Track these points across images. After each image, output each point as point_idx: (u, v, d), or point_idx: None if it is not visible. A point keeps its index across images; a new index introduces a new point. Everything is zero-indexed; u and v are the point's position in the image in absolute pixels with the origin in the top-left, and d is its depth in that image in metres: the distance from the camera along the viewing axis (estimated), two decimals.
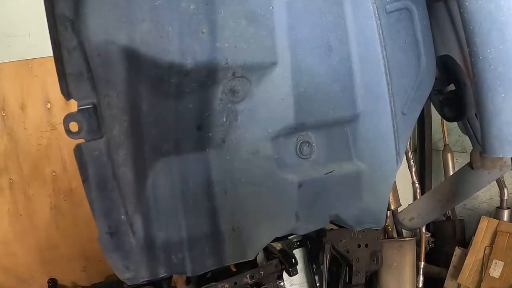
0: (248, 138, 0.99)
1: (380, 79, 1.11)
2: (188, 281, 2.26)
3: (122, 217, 0.97)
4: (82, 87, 0.87)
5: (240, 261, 1.05)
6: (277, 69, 0.98)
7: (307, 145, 1.04)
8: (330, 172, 1.06)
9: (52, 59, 2.15)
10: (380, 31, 1.10)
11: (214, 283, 1.99)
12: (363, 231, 2.22)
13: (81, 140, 0.90)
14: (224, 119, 0.97)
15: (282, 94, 0.99)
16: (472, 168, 1.26)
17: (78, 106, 0.87)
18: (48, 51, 2.16)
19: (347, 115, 1.08)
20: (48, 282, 2.10)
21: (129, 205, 0.97)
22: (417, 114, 1.17)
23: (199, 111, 0.94)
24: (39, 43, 2.12)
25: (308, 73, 1.02)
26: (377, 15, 1.09)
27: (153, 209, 0.97)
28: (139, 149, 0.93)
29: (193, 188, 0.98)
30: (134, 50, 0.85)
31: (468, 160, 1.31)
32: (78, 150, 0.91)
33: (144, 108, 0.91)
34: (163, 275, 1.05)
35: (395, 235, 2.59)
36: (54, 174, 2.17)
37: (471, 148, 1.35)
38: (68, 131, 0.87)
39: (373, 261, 2.28)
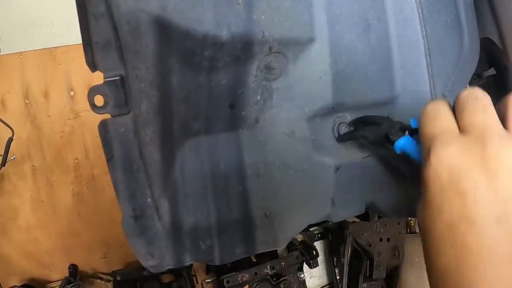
0: (284, 118, 0.89)
1: (419, 59, 1.01)
2: (208, 270, 2.19)
3: (148, 200, 0.88)
4: (109, 57, 0.77)
5: (271, 250, 0.96)
6: (315, 46, 0.89)
7: (345, 126, 0.94)
8: (367, 156, 0.97)
9: (76, 47, 2.10)
10: (420, 10, 1.00)
11: (234, 273, 1.92)
12: (385, 225, 2.13)
13: (107, 116, 0.81)
14: (259, 98, 0.87)
15: (320, 72, 0.90)
16: None
17: (104, 78, 0.78)
18: (72, 40, 2.11)
19: (385, 97, 0.99)
20: (69, 268, 2.04)
21: (156, 187, 0.87)
22: None
23: (233, 88, 0.85)
24: (62, 32, 2.08)
25: (347, 51, 0.93)
26: None
27: (180, 192, 0.88)
28: (167, 127, 0.84)
29: (224, 170, 0.88)
30: (166, 20, 0.76)
31: None
32: (103, 126, 0.81)
33: (174, 83, 0.81)
34: (188, 263, 0.96)
35: (417, 230, 2.48)
36: (76, 161, 2.11)
37: None
38: (93, 105, 0.78)
39: (395, 255, 2.20)
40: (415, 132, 0.72)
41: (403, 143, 0.73)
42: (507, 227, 0.47)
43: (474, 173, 0.50)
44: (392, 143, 0.75)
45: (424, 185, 0.55)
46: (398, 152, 0.74)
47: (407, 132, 0.74)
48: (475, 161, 0.50)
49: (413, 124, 0.73)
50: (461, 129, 0.55)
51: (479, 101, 0.55)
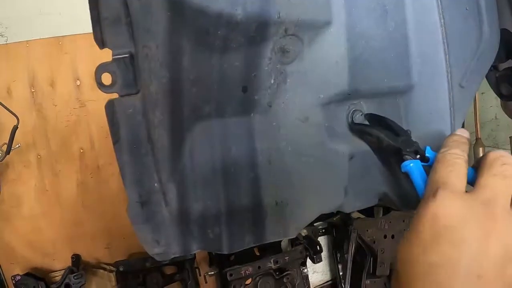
0: (297, 103, 0.84)
1: (437, 48, 0.96)
2: (211, 263, 2.15)
3: (155, 185, 0.84)
4: (118, 34, 0.73)
5: (281, 239, 0.91)
6: (331, 29, 0.84)
7: (360, 113, 0.90)
8: None
9: (83, 36, 2.05)
10: None
11: (237, 266, 1.87)
12: (390, 222, 2.08)
13: (114, 95, 0.77)
14: (272, 81, 0.83)
15: (336, 57, 0.85)
16: None
17: (113, 56, 0.74)
18: (79, 30, 2.07)
19: (401, 86, 0.94)
20: (72, 258, 2.00)
21: (163, 172, 0.83)
22: (476, 88, 1.01)
23: (246, 70, 0.80)
24: (69, 21, 2.03)
25: (364, 37, 0.88)
26: None
27: (189, 177, 0.84)
28: (177, 109, 0.80)
29: (234, 156, 0.84)
30: None
31: None
32: (110, 106, 0.77)
33: (185, 64, 0.77)
34: (195, 252, 0.92)
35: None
36: (81, 151, 2.06)
37: (504, 143, 1.21)
38: (100, 84, 0.74)
39: None
40: (426, 161, 0.71)
41: (411, 166, 0.70)
42: (485, 286, 0.49)
43: (472, 229, 0.51)
44: (401, 160, 0.72)
45: (418, 221, 0.55)
46: (402, 171, 0.72)
47: (418, 157, 0.72)
48: (477, 218, 0.51)
49: (428, 153, 0.72)
50: (476, 184, 0.56)
51: (504, 168, 0.55)
